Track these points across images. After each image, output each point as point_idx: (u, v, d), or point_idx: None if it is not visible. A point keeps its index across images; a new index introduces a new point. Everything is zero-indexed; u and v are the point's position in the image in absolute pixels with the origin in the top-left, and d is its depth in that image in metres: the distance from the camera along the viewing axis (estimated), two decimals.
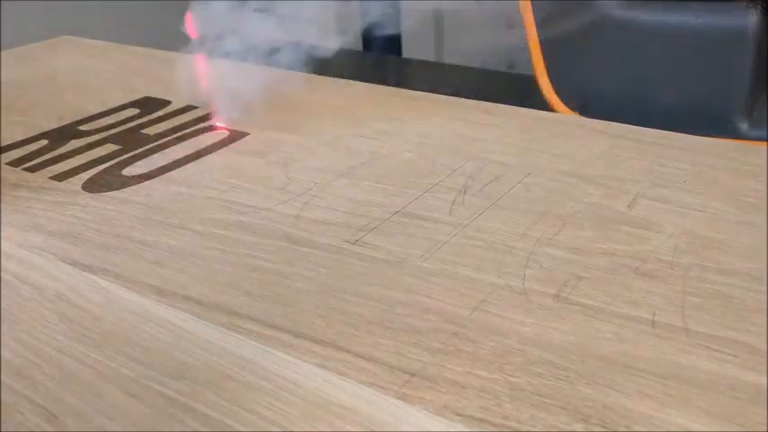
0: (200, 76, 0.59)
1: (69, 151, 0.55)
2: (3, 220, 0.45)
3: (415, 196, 0.46)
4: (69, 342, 0.43)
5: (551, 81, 0.92)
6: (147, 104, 0.65)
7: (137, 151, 0.54)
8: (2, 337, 0.47)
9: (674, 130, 0.53)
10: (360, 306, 0.35)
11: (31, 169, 0.52)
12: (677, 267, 0.37)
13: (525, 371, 0.31)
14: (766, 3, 0.85)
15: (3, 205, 0.47)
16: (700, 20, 0.80)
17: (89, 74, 0.75)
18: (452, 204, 0.45)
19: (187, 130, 0.58)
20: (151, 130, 0.58)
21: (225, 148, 0.54)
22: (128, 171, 0.51)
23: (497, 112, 0.59)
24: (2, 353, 0.47)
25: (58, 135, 0.58)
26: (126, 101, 0.66)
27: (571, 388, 0.30)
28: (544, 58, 0.92)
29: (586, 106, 0.84)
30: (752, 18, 0.84)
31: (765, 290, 0.35)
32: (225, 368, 0.35)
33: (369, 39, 2.13)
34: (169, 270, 0.39)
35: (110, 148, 0.55)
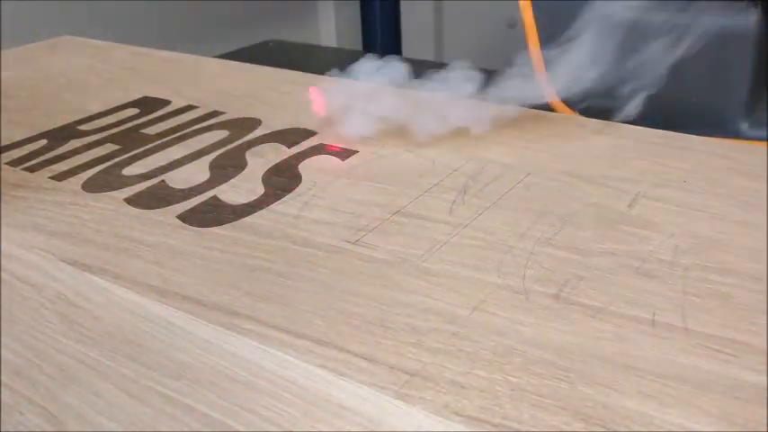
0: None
1: (69, 151, 0.55)
2: (3, 220, 0.45)
3: (415, 196, 0.46)
4: (69, 342, 0.43)
5: (551, 81, 0.92)
6: (147, 104, 0.65)
7: (136, 151, 0.54)
8: (2, 337, 0.47)
9: (674, 130, 0.53)
10: (360, 306, 0.35)
11: (31, 169, 0.52)
12: (677, 267, 0.37)
13: (525, 371, 0.31)
14: (766, 3, 0.85)
15: (3, 205, 0.47)
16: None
17: (89, 74, 0.75)
18: (452, 204, 0.45)
19: (187, 130, 0.58)
20: (151, 130, 0.58)
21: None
22: (127, 171, 0.51)
23: (497, 112, 0.59)
24: (2, 353, 0.47)
25: (58, 135, 0.58)
26: (126, 101, 0.66)
27: (571, 388, 0.30)
28: (544, 58, 0.92)
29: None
30: (752, 18, 0.84)
31: (765, 290, 0.35)
32: (225, 368, 0.35)
33: (369, 38, 2.13)
34: (169, 270, 0.39)
35: (109, 147, 0.55)
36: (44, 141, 0.57)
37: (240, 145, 0.54)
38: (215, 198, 0.47)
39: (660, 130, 0.53)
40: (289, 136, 0.56)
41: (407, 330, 0.33)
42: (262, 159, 0.52)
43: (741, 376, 0.30)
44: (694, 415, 0.28)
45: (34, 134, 0.59)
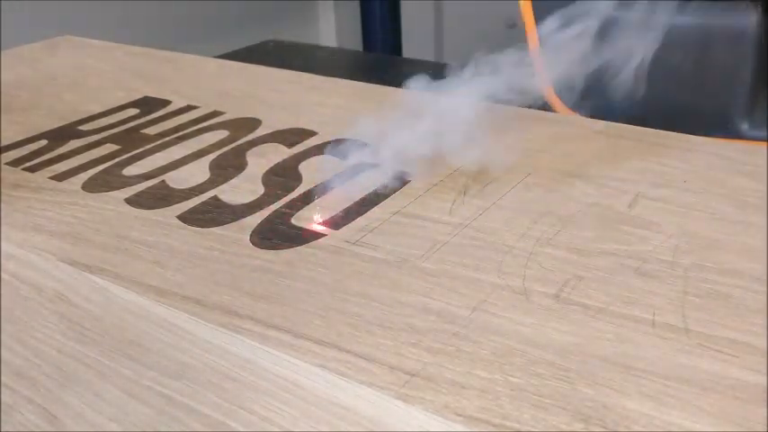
0: None
1: (69, 151, 0.55)
2: (3, 220, 0.45)
3: (416, 196, 0.46)
4: (69, 342, 0.43)
5: (551, 81, 0.92)
6: (147, 104, 0.65)
7: (136, 151, 0.54)
8: (2, 337, 0.47)
9: (674, 130, 0.53)
10: (360, 306, 0.35)
11: (31, 169, 0.52)
12: (677, 267, 0.37)
13: (525, 371, 0.31)
14: (766, 3, 0.85)
15: (3, 205, 0.47)
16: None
17: (89, 74, 0.75)
18: (452, 204, 0.45)
19: (187, 130, 0.58)
20: (151, 130, 0.58)
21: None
22: (127, 171, 0.51)
23: (497, 112, 0.59)
24: (2, 353, 0.47)
25: (58, 135, 0.58)
26: (126, 101, 0.66)
27: (571, 388, 0.30)
28: (544, 58, 0.92)
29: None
30: (752, 18, 0.84)
31: (765, 290, 0.35)
32: (225, 368, 0.35)
33: (369, 38, 2.13)
34: (169, 270, 0.39)
35: (109, 147, 0.55)
36: (44, 141, 0.57)
37: (240, 145, 0.54)
38: (215, 198, 0.47)
39: (660, 130, 0.53)
40: (289, 136, 0.56)
41: (407, 330, 0.33)
42: (262, 159, 0.52)
43: (741, 376, 0.30)
44: (694, 415, 0.28)
45: (34, 134, 0.59)
